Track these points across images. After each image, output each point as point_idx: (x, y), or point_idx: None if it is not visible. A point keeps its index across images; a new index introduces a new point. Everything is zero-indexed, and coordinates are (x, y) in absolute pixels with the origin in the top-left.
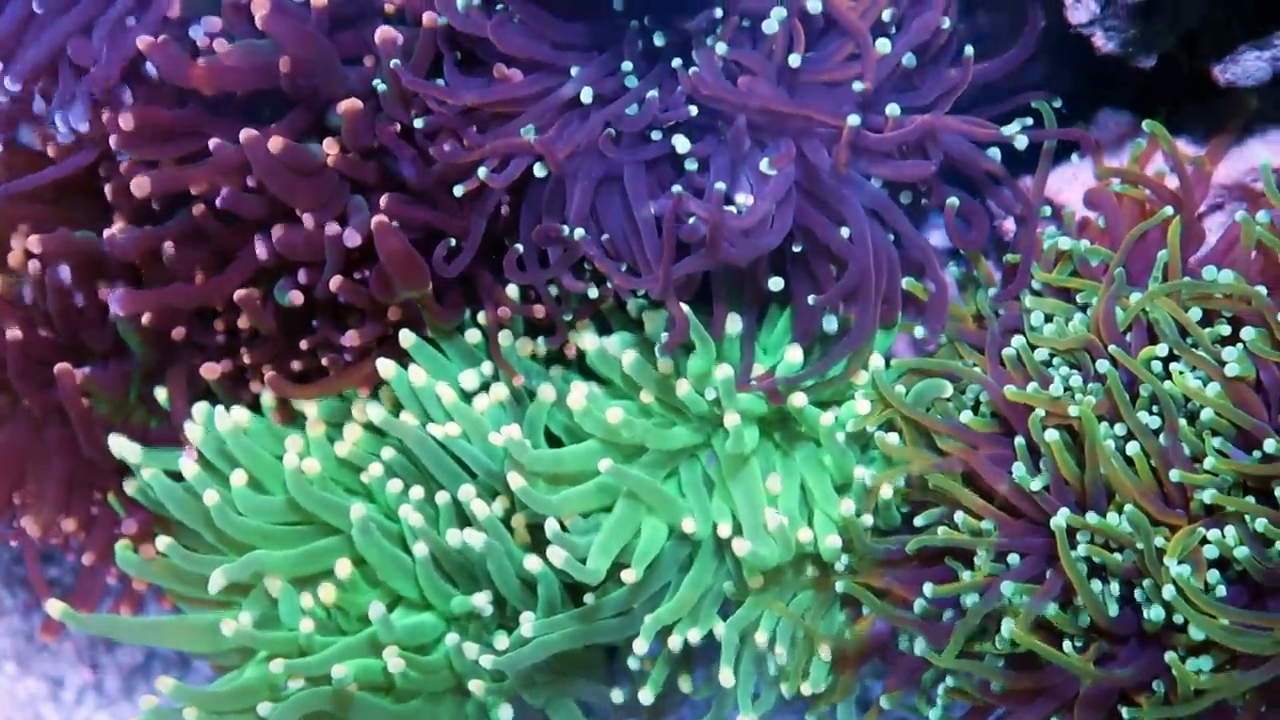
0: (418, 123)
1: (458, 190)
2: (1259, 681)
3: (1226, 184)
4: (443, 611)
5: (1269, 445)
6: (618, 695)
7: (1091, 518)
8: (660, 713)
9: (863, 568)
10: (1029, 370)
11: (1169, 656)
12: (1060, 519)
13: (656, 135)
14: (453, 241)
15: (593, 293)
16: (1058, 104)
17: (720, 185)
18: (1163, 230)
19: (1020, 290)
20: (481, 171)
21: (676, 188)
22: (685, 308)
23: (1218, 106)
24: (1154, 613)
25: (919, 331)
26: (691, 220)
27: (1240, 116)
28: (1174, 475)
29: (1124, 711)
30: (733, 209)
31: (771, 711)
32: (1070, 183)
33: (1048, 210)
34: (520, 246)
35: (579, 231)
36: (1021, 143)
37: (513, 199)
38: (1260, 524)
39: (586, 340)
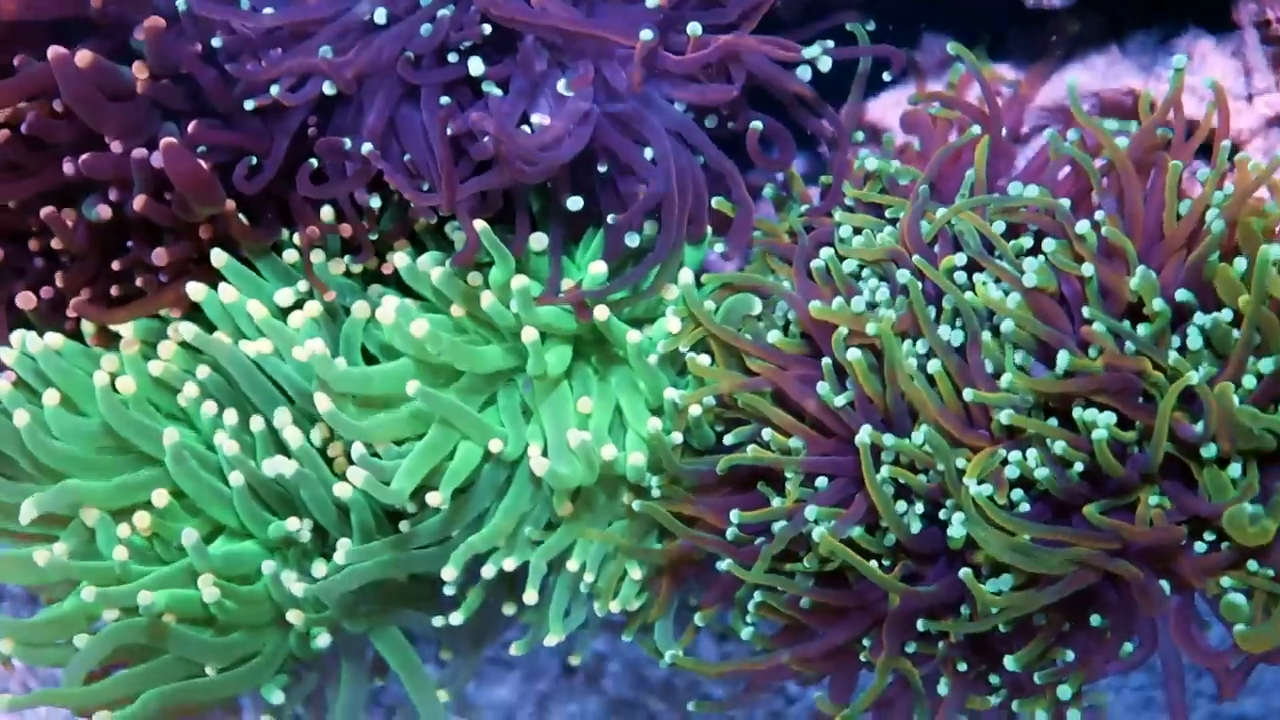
0: (216, 42)
1: (248, 105)
2: (1054, 599)
3: (1048, 107)
4: (263, 540)
5: (1062, 359)
6: (439, 621)
7: (888, 439)
8: (482, 639)
9: (673, 489)
10: (836, 282)
11: (963, 573)
12: (863, 436)
13: (454, 57)
14: (254, 160)
15: (375, 202)
16: (871, 26)
17: (500, 98)
18: (975, 151)
19: (832, 207)
20: (274, 89)
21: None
22: (480, 224)
23: (1040, 32)
24: (956, 531)
25: (718, 247)
26: (486, 140)
27: (1060, 41)
28: (968, 395)
29: (920, 624)
30: (527, 129)
31: (588, 632)
32: (894, 108)
33: (860, 135)
34: (314, 162)
35: (366, 146)
36: (825, 64)
37: (321, 119)
38: (1059, 446)
39: (399, 258)
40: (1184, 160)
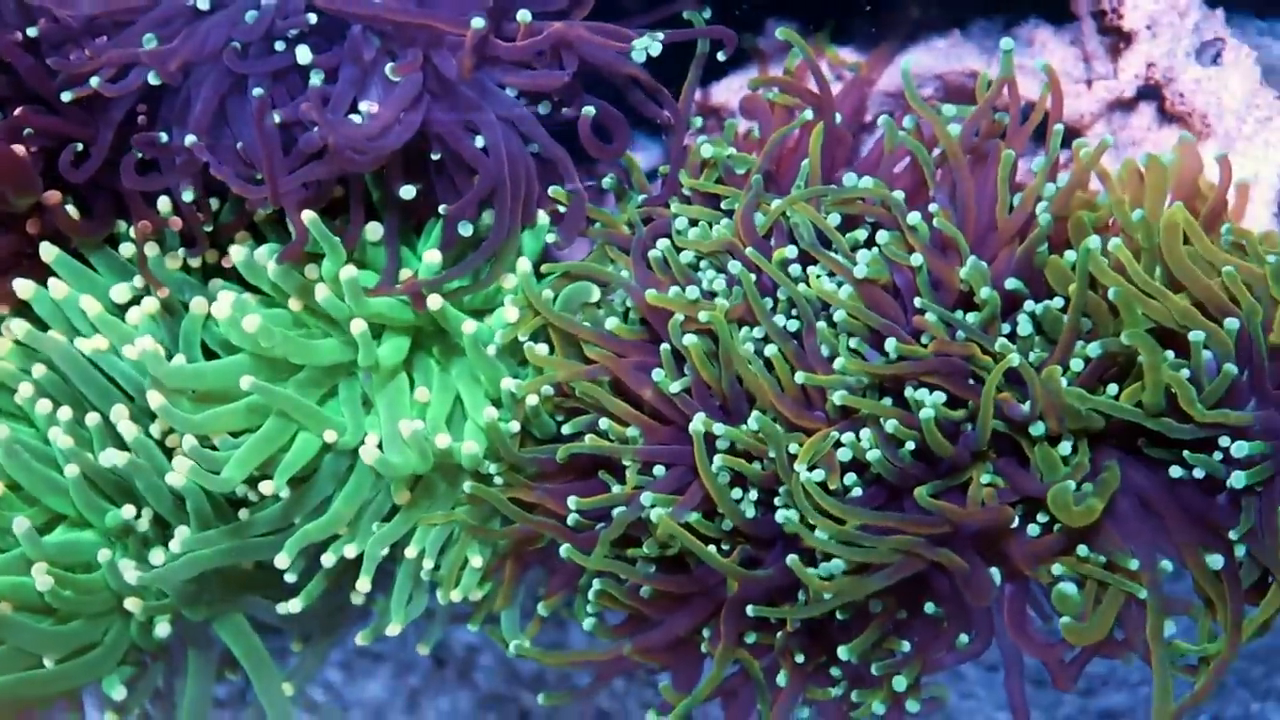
0: (31, 31)
1: (66, 97)
2: (883, 584)
3: (892, 92)
4: (101, 529)
5: (890, 345)
6: (283, 608)
7: (719, 428)
8: (332, 629)
9: (513, 478)
10: (674, 273)
11: (790, 559)
12: (696, 424)
13: (281, 45)
14: (81, 148)
15: (187, 196)
16: (708, 13)
17: (329, 87)
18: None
19: (669, 197)
20: (94, 80)
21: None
22: (309, 215)
23: (885, 16)
24: (790, 517)
25: (550, 237)
26: (317, 130)
27: (902, 25)
28: (798, 377)
29: (750, 609)
30: (357, 118)
31: (435, 622)
32: (738, 93)
33: (699, 121)
34: (140, 154)
35: (190, 138)
36: (655, 50)
37: (152, 107)
38: (891, 425)
39: (236, 251)
40: (1018, 148)
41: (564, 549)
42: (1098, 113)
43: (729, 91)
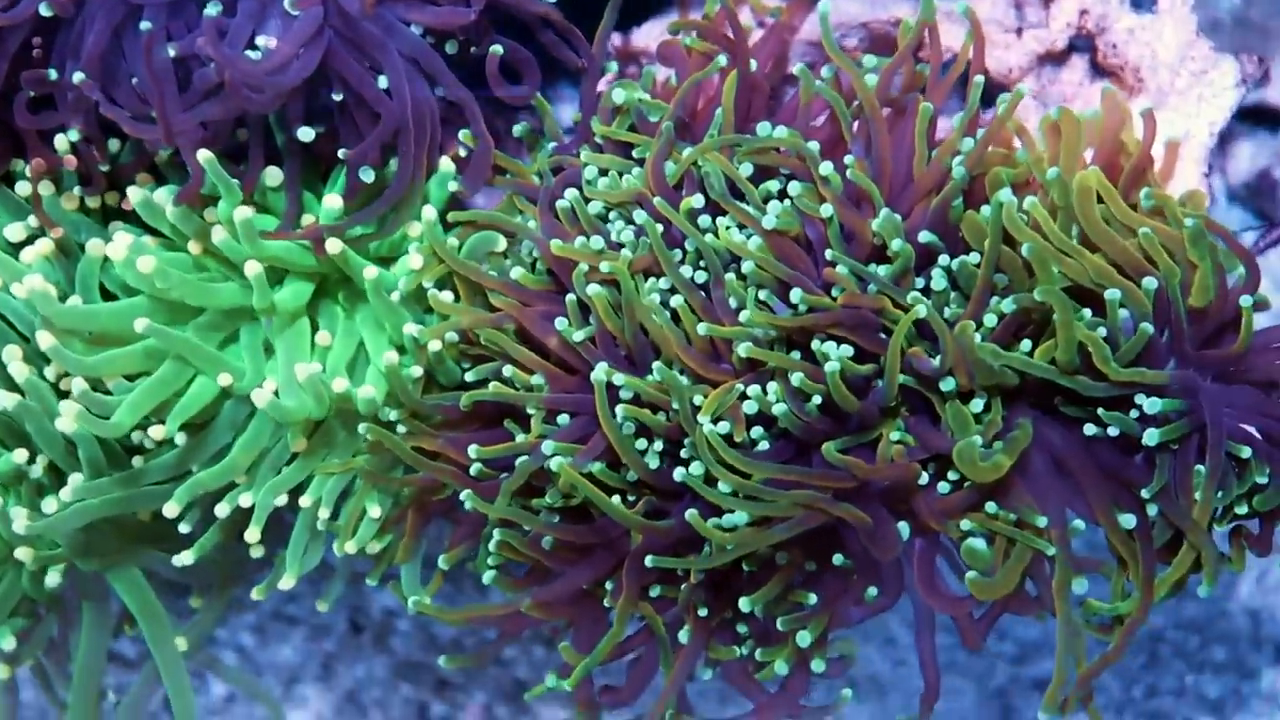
0: None
1: None
2: (784, 536)
3: (816, 40)
4: None
5: (796, 296)
6: (177, 560)
7: (619, 378)
8: (234, 578)
9: (415, 426)
10: (582, 224)
11: (690, 514)
12: (598, 373)
13: None
14: None
15: (73, 135)
16: None
17: (225, 19)
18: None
19: (580, 145)
20: None
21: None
22: (205, 154)
23: None
24: (694, 468)
25: (453, 185)
26: (213, 66)
27: None
28: (702, 328)
29: (649, 560)
30: (255, 54)
31: (338, 578)
32: (659, 39)
33: (615, 66)
34: (31, 92)
35: (78, 75)
36: None
37: (47, 40)
38: (796, 378)
39: (133, 193)
40: (937, 101)
41: (464, 494)
42: (1027, 66)
43: (650, 37)
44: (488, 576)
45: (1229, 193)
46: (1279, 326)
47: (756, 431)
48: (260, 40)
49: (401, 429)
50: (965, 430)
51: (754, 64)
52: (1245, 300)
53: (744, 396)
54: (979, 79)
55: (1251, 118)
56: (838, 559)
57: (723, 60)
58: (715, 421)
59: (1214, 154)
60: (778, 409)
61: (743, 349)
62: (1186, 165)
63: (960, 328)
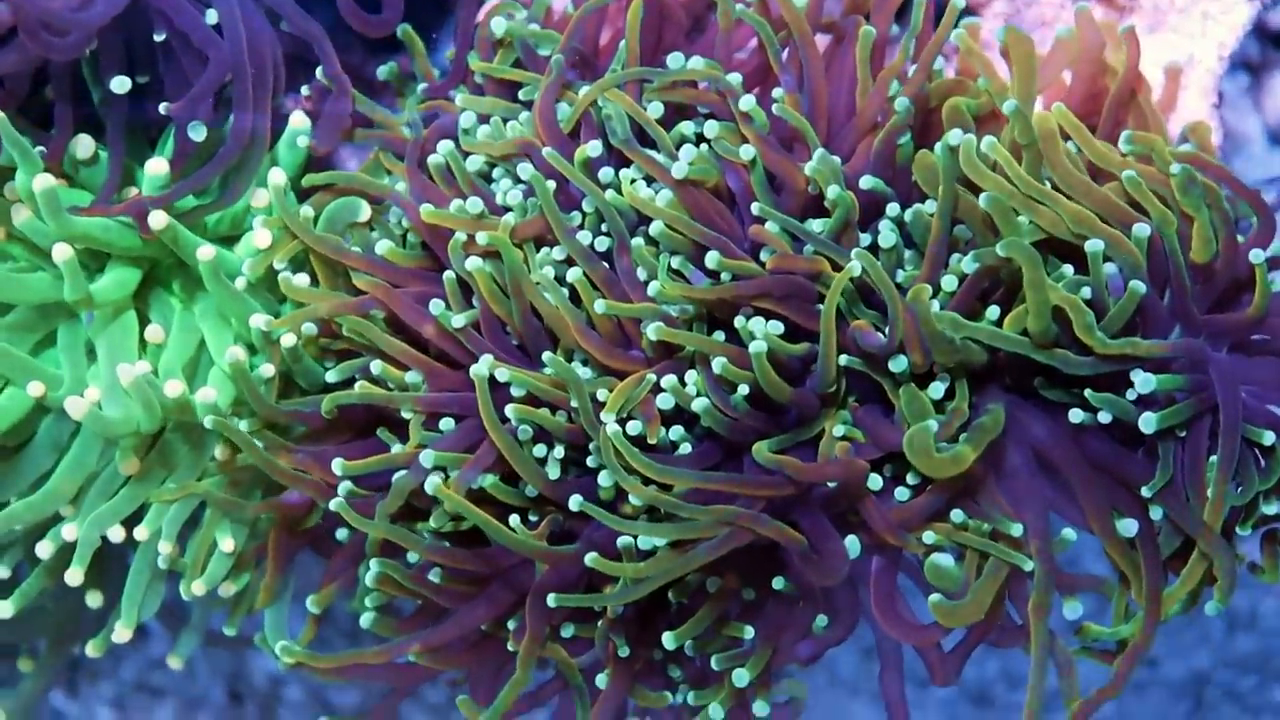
0: None
1: None
2: (708, 560)
3: None
4: None
5: (712, 260)
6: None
7: (504, 372)
8: (70, 634)
9: (269, 438)
10: (460, 183)
11: (590, 557)
12: (480, 366)
13: None
14: None
15: None
16: None
17: None
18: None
19: (455, 86)
20: None
21: None
22: None
23: None
24: (602, 479)
25: (303, 141)
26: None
27: None
28: (599, 306)
29: (552, 599)
30: None
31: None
32: None
33: None
34: None
35: None
36: None
37: None
38: (719, 364)
39: None
40: (882, 25)
41: (334, 504)
42: None
43: None
44: (366, 619)
45: (1269, 134)
46: None
47: (677, 432)
48: None
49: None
50: (922, 419)
51: None
52: (1256, 255)
53: (657, 389)
54: None
55: None
56: (779, 583)
57: None
58: (624, 421)
59: (1250, 89)
60: (698, 404)
61: (652, 330)
62: (1191, 96)
63: (913, 293)
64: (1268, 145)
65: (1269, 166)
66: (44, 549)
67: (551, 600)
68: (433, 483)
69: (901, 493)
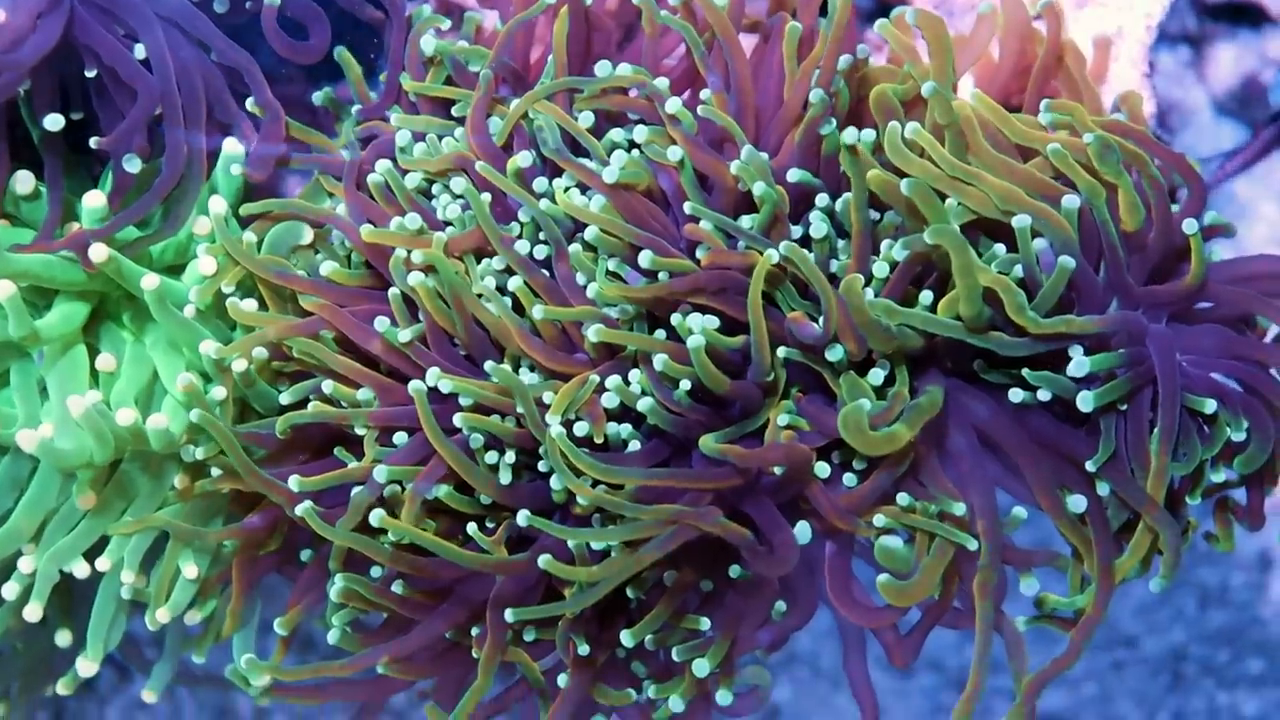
0: None
1: None
2: (656, 557)
3: None
4: None
5: (645, 259)
6: None
7: (446, 383)
8: (41, 676)
9: (224, 463)
10: (400, 200)
11: (543, 559)
12: (418, 381)
13: None
14: None
15: None
16: None
17: None
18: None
19: (389, 106)
20: None
21: None
22: None
23: None
24: (554, 483)
25: (235, 168)
26: None
27: None
28: (537, 312)
29: (509, 614)
30: None
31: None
32: None
33: (427, 10)
34: None
35: None
36: None
37: None
38: (660, 361)
39: None
40: (807, 20)
41: (300, 509)
42: None
43: None
44: (333, 635)
45: (1215, 105)
46: (1248, 256)
47: (626, 430)
48: None
49: (215, 471)
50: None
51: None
52: (1190, 225)
53: (601, 389)
54: None
55: (1228, 15)
56: (735, 571)
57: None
58: (570, 423)
59: (1193, 63)
60: (643, 403)
61: (593, 333)
62: (1122, 66)
63: (845, 284)
64: (1214, 115)
65: (1218, 136)
66: (9, 590)
67: (509, 615)
68: (379, 516)
69: (850, 479)
